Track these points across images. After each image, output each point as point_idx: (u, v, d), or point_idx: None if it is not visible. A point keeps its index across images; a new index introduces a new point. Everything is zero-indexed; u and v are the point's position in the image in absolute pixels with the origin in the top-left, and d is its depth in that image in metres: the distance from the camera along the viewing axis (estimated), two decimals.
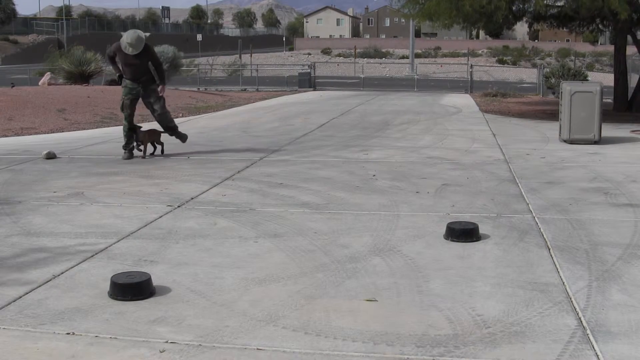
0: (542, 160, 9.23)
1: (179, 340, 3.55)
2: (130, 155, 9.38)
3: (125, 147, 9.45)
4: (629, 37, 17.19)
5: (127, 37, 9.15)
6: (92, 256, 4.97)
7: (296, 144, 10.87)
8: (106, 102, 17.10)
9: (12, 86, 21.69)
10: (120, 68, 9.44)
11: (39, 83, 22.80)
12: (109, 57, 9.60)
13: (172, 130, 9.89)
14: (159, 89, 9.54)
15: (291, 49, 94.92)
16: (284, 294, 4.21)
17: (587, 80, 20.80)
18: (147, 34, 9.82)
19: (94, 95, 18.15)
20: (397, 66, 47.55)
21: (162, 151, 9.71)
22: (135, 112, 9.63)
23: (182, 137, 9.98)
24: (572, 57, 50.50)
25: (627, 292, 4.23)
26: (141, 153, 9.46)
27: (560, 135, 11.16)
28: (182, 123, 14.37)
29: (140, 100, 9.62)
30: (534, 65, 41.61)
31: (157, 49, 24.64)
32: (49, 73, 23.83)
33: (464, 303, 4.05)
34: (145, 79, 9.43)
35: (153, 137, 9.69)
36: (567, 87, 10.94)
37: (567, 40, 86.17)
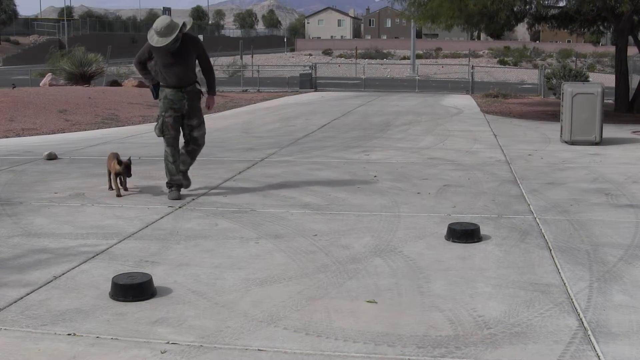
0: (543, 161, 9.23)
1: (180, 341, 3.55)
2: (179, 192, 6.94)
3: (171, 182, 6.96)
4: (630, 38, 17.19)
5: (155, 24, 6.64)
6: (93, 257, 4.98)
7: (297, 145, 10.87)
8: (107, 103, 17.12)
9: (14, 87, 21.71)
10: (158, 72, 6.81)
11: (40, 84, 22.82)
12: (138, 63, 6.97)
13: (184, 172, 7.14)
14: (205, 103, 7.10)
15: (292, 50, 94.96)
16: (285, 294, 4.21)
17: (588, 81, 20.80)
18: (190, 21, 6.96)
19: (95, 96, 18.17)
20: (399, 67, 47.55)
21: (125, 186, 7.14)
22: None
23: (186, 182, 7.15)
24: (573, 58, 50.50)
25: (628, 292, 4.23)
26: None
27: (561, 136, 11.16)
28: None
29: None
30: (535, 66, 41.60)
31: None
32: (50, 74, 23.85)
33: (465, 304, 4.05)
34: (191, 88, 6.89)
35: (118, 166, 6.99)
36: (568, 88, 10.94)
37: (568, 41, 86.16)
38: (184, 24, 6.65)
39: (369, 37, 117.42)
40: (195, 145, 7.07)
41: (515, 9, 15.63)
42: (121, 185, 6.99)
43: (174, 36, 6.51)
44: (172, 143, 6.92)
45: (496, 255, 5.03)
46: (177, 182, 6.95)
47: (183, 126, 6.97)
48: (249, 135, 12.32)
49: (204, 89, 7.05)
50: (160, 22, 6.59)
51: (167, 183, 6.99)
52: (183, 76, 6.77)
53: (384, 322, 3.79)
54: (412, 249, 5.16)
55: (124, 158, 7.03)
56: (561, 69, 23.57)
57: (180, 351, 3.43)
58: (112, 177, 7.04)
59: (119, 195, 6.93)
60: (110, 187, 7.14)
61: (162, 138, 6.96)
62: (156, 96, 6.90)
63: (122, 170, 6.82)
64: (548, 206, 6.56)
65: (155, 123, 6.96)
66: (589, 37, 26.21)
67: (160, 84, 6.85)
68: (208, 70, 7.09)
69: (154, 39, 6.59)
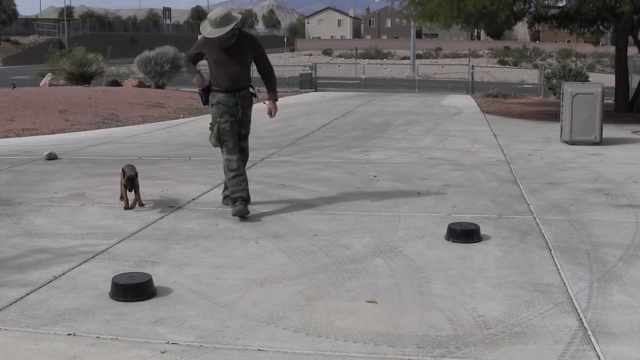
0: (543, 161, 9.23)
1: (180, 341, 3.55)
2: (246, 208, 6.05)
3: (233, 195, 6.13)
4: (630, 38, 17.19)
5: (210, 14, 5.99)
6: (93, 257, 4.98)
7: (297, 145, 10.87)
8: (107, 103, 17.12)
9: (14, 87, 21.71)
10: (210, 72, 6.19)
11: (40, 84, 22.82)
12: (188, 62, 6.27)
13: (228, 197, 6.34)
14: (267, 110, 6.41)
15: (292, 50, 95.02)
16: (285, 294, 4.21)
17: (589, 81, 20.80)
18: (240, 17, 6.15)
19: (95, 96, 18.17)
20: (399, 67, 47.54)
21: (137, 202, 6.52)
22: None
23: (240, 210, 6.04)
24: (573, 58, 50.50)
25: (628, 292, 4.23)
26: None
27: (561, 136, 11.16)
28: (184, 124, 14.39)
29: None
30: (535, 66, 41.60)
31: (158, 50, 24.71)
32: (50, 74, 23.84)
33: (465, 304, 4.06)
34: (245, 92, 6.21)
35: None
36: (568, 88, 10.94)
37: (568, 41, 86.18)
38: (240, 19, 6.05)
39: (369, 37, 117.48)
40: (244, 156, 6.36)
41: (515, 9, 15.62)
42: (126, 198, 6.43)
43: (230, 27, 5.85)
44: (233, 150, 6.14)
45: (496, 255, 5.03)
46: (242, 196, 6.05)
47: None
48: (249, 135, 12.30)
49: (259, 95, 6.30)
50: (216, 12, 5.95)
51: (230, 198, 6.16)
52: (237, 77, 6.08)
53: (384, 322, 3.79)
54: (412, 249, 5.16)
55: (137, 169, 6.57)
56: (561, 69, 23.53)
57: (180, 351, 3.44)
58: (121, 188, 6.53)
59: (138, 204, 6.44)
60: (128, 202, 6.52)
61: (205, 146, 6.37)
62: (206, 101, 6.25)
63: (125, 182, 6.35)
64: (548, 206, 6.56)
65: (210, 132, 6.26)
66: (589, 37, 26.21)
67: (212, 87, 6.17)
68: (268, 72, 6.32)
69: (207, 30, 5.92)
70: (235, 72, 6.08)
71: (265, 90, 6.42)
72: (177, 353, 3.41)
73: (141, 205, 6.50)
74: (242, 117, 6.23)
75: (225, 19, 5.86)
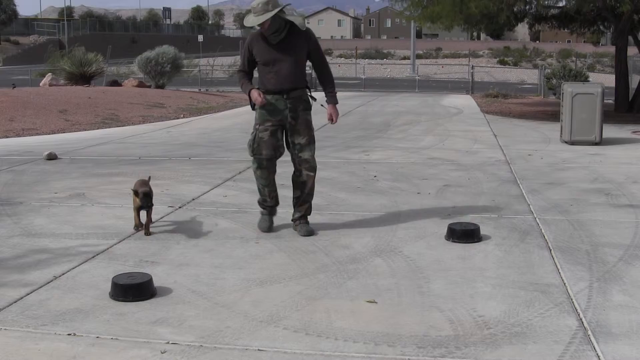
0: (543, 161, 9.23)
1: (180, 341, 3.55)
2: (270, 223, 5.67)
3: (263, 204, 5.68)
4: (630, 38, 17.19)
5: (252, 3, 5.28)
6: (93, 257, 4.98)
7: None
8: (107, 103, 17.12)
9: (14, 87, 21.70)
10: (259, 74, 5.46)
11: (40, 84, 22.81)
12: (242, 78, 5.47)
13: (306, 210, 5.62)
14: (327, 115, 5.60)
15: None
16: (285, 294, 4.21)
17: (588, 81, 20.80)
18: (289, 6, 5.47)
19: (95, 96, 18.17)
20: (399, 67, 47.53)
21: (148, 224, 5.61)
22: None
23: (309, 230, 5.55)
24: (573, 58, 50.48)
25: (628, 292, 4.23)
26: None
27: (561, 136, 11.16)
28: (184, 124, 14.39)
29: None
30: (535, 66, 41.59)
31: (158, 50, 24.70)
32: (50, 74, 23.84)
33: (465, 304, 4.06)
34: (298, 94, 5.42)
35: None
36: (568, 88, 10.94)
37: (568, 41, 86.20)
38: (285, 6, 5.30)
39: (369, 37, 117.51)
40: (307, 169, 5.46)
41: (515, 10, 15.63)
42: (146, 224, 5.59)
43: (274, 12, 5.13)
44: (264, 165, 5.45)
45: (496, 255, 5.03)
46: (270, 205, 5.64)
47: (288, 145, 5.48)
48: (250, 135, 12.29)
49: (322, 98, 5.57)
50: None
51: (258, 202, 5.73)
52: (288, 77, 5.32)
53: (384, 322, 3.79)
54: (412, 249, 5.16)
55: (147, 179, 5.76)
56: (561, 69, 23.54)
57: (180, 351, 3.44)
58: (134, 211, 5.66)
59: (144, 232, 5.57)
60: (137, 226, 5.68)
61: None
62: (253, 106, 5.48)
63: (142, 201, 5.48)
64: (548, 206, 6.56)
65: (250, 137, 5.58)
66: (589, 37, 26.23)
67: (259, 89, 5.38)
68: (325, 70, 5.58)
69: (250, 20, 5.22)
70: (287, 70, 5.31)
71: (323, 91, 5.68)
72: (177, 353, 3.41)
73: (148, 234, 5.53)
74: (293, 123, 5.38)
75: (267, 4, 5.13)
